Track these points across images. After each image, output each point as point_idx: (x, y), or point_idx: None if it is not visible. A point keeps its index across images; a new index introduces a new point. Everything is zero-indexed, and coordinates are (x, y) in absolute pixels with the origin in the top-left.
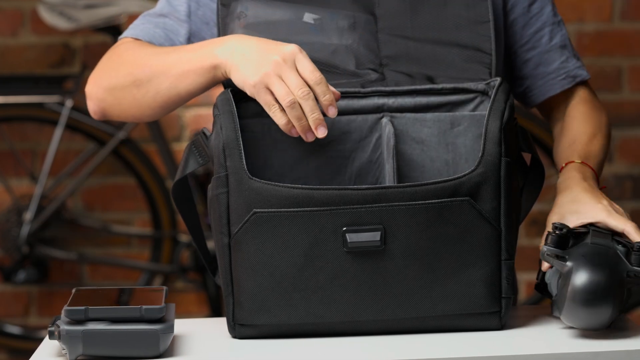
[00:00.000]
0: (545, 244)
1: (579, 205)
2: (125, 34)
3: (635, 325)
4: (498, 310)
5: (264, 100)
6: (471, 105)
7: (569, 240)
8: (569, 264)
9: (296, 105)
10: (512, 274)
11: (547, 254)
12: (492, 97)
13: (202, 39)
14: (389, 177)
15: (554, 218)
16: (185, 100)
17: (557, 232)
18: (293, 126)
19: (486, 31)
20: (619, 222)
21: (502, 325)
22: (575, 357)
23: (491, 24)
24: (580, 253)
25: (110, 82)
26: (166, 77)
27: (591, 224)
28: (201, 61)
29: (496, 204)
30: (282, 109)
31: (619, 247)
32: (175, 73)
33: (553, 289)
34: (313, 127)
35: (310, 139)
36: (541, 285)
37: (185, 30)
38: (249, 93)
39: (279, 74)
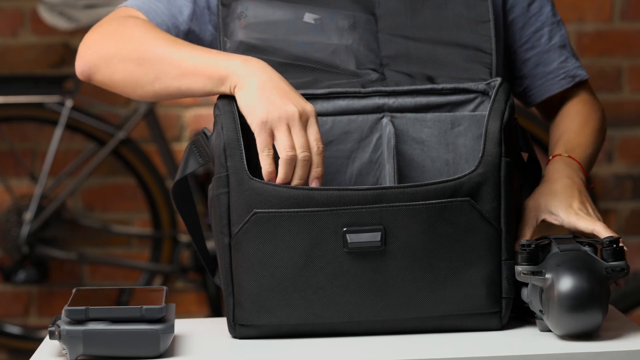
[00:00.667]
0: (517, 263)
1: (554, 202)
2: (126, 3)
3: (635, 325)
4: (498, 311)
5: (264, 140)
6: (471, 106)
7: (538, 254)
8: (548, 276)
9: (292, 162)
10: (512, 274)
11: (524, 273)
12: (492, 97)
13: (204, 22)
14: (389, 178)
15: (530, 204)
16: (182, 97)
17: (526, 249)
18: (275, 176)
19: (486, 31)
20: (588, 224)
21: (502, 325)
22: (576, 357)
23: (491, 23)
24: (555, 263)
25: (110, 50)
26: (174, 68)
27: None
28: (217, 67)
29: (496, 204)
30: (272, 156)
31: (587, 247)
32: (185, 67)
33: (536, 306)
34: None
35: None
36: (516, 308)
37: (189, 11)
38: (250, 123)
39: (289, 125)
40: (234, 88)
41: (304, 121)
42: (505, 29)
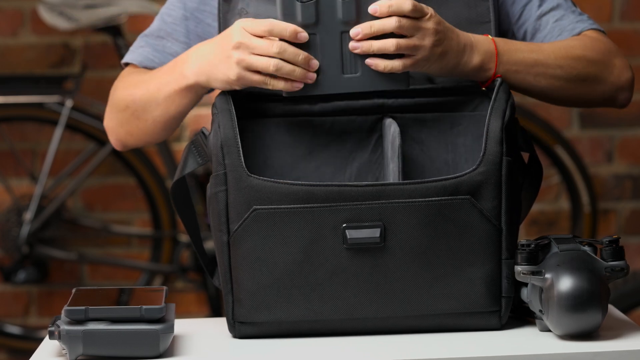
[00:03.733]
0: (517, 263)
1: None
2: (125, 58)
3: (635, 325)
4: (498, 310)
5: (256, 81)
6: (471, 106)
7: (538, 254)
8: (547, 276)
9: (281, 63)
10: (512, 273)
11: (523, 273)
12: (493, 96)
13: (201, 23)
14: (393, 176)
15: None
16: (183, 117)
17: (525, 249)
18: (293, 80)
19: (487, 32)
20: None
21: (501, 324)
22: (575, 357)
23: (492, 24)
24: (554, 263)
25: (117, 117)
26: (156, 105)
27: (548, 235)
28: (178, 84)
29: (497, 203)
30: (274, 76)
31: (586, 247)
32: (161, 98)
33: (536, 306)
34: (305, 67)
35: (312, 79)
36: (515, 308)
37: (183, 51)
38: (240, 88)
39: (249, 51)
40: (207, 87)
41: (247, 37)
42: (499, 12)
